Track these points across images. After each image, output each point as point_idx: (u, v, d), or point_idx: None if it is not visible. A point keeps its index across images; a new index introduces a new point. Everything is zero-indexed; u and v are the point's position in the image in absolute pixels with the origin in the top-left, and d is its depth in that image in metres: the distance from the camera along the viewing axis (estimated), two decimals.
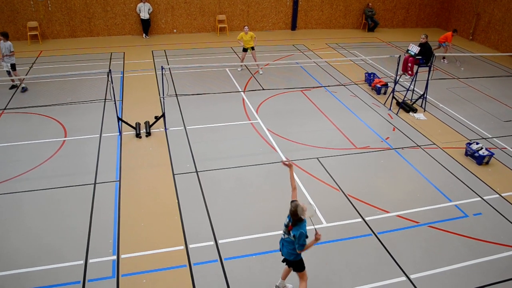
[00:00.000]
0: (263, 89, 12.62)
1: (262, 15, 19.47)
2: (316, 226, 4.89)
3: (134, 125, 9.87)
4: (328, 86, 13.10)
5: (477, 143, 9.25)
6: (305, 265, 5.24)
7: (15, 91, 11.93)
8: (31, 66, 14.06)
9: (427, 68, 11.63)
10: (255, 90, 12.56)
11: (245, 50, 13.83)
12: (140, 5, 17.31)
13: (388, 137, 10.04)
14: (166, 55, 15.59)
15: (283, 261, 5.30)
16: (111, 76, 9.14)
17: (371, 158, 9.13)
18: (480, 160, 8.97)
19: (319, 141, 9.67)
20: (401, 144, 9.75)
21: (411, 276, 6.04)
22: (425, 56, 11.60)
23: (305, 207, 4.75)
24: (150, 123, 10.05)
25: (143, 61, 14.94)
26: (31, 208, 7.17)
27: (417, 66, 11.73)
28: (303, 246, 4.84)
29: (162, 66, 9.62)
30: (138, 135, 9.61)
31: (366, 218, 7.20)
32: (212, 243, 6.52)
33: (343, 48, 17.37)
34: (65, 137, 9.55)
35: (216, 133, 9.96)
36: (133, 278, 5.84)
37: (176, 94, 11.96)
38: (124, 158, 8.77)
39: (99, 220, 6.94)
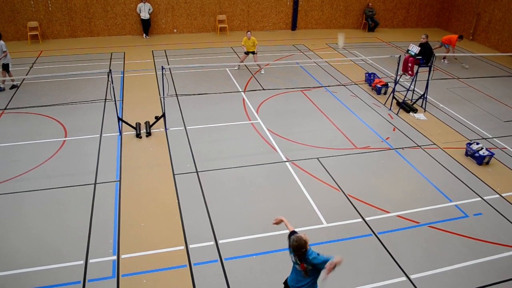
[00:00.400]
0: (264, 89, 12.62)
1: (262, 15, 19.47)
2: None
3: (134, 125, 9.87)
4: (329, 86, 13.10)
5: (477, 143, 9.24)
6: (307, 238, 4.55)
7: (15, 91, 11.94)
8: (32, 66, 14.06)
9: (427, 68, 11.63)
10: (255, 90, 12.56)
11: (247, 53, 13.87)
12: (141, 5, 17.31)
13: (388, 137, 10.04)
14: (166, 55, 15.59)
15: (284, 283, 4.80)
16: (111, 76, 9.14)
17: (371, 158, 9.13)
18: (480, 160, 8.96)
19: (320, 141, 9.67)
20: (401, 144, 9.75)
21: (411, 276, 6.04)
22: (425, 56, 11.61)
23: (307, 238, 4.25)
24: (150, 123, 10.05)
25: (144, 61, 14.95)
26: (31, 208, 7.17)
27: (417, 66, 11.73)
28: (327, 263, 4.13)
29: (162, 66, 9.62)
30: (138, 135, 9.61)
31: (366, 218, 7.20)
32: (212, 243, 6.51)
33: (343, 48, 17.37)
34: (65, 137, 9.55)
35: (216, 133, 9.96)
36: (133, 278, 5.84)
37: (176, 94, 11.96)
38: (124, 158, 8.77)
39: (99, 220, 6.94)
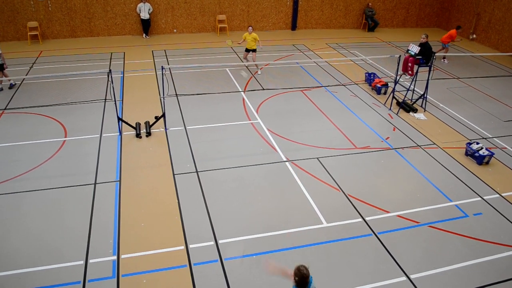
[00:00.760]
0: (263, 89, 12.62)
1: (262, 15, 19.47)
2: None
3: (134, 125, 9.87)
4: (328, 86, 13.10)
5: (477, 143, 9.24)
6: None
7: (15, 91, 11.94)
8: (31, 66, 14.06)
9: (427, 68, 11.63)
10: (255, 90, 12.56)
11: (247, 50, 13.87)
12: (140, 5, 17.31)
13: (388, 137, 10.04)
14: (166, 55, 15.59)
15: None
16: (111, 76, 9.14)
17: (371, 158, 9.13)
18: (480, 160, 8.97)
19: (319, 141, 9.67)
20: (401, 144, 9.75)
21: (411, 276, 6.04)
22: (425, 56, 11.60)
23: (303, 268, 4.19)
24: (150, 123, 10.05)
25: (143, 61, 14.95)
26: (31, 208, 7.17)
27: (417, 66, 11.73)
28: None
29: (162, 66, 9.62)
30: (138, 135, 9.61)
31: (366, 218, 7.20)
32: (212, 243, 6.51)
33: (343, 48, 17.37)
34: (65, 137, 9.55)
35: (216, 133, 9.96)
36: (134, 278, 5.84)
37: (176, 94, 11.96)
38: (124, 158, 8.77)
39: (99, 220, 6.94)
